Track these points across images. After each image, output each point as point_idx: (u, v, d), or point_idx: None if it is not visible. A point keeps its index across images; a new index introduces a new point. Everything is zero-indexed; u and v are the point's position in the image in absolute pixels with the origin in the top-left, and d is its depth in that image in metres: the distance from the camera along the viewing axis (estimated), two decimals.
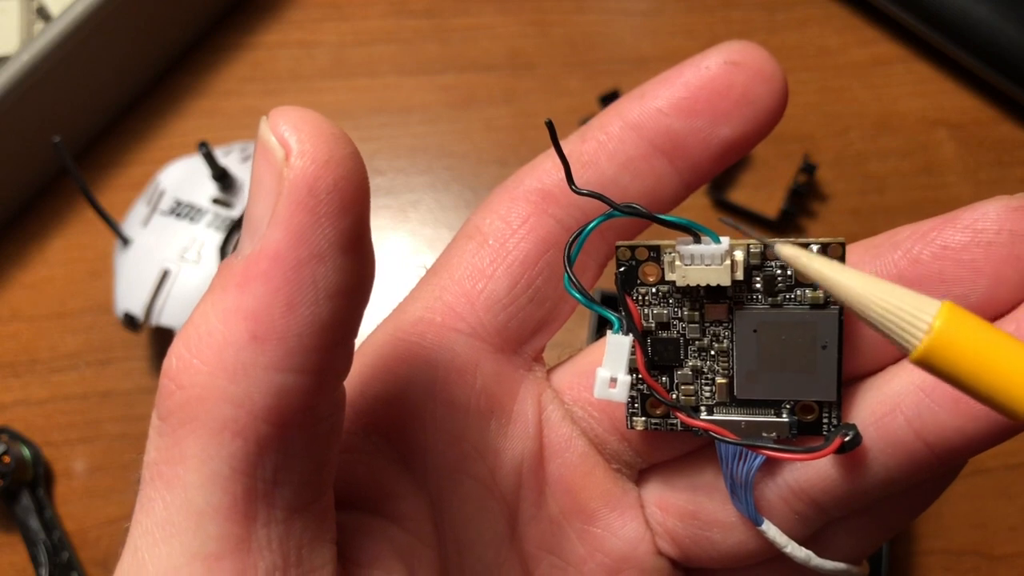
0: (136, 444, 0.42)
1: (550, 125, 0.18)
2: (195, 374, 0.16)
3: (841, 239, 0.18)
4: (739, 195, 0.47)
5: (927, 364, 0.15)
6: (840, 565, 0.21)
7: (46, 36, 0.42)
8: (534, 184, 0.21)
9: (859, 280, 0.15)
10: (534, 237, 0.20)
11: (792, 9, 0.52)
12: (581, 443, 0.21)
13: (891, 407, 0.19)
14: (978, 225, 0.18)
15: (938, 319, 0.14)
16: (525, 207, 0.20)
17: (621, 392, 0.19)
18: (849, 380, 0.20)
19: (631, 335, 0.19)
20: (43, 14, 0.46)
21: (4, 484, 0.39)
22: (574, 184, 0.19)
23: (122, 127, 0.49)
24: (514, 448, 0.21)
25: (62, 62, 0.43)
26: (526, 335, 0.21)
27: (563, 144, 0.21)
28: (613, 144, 0.20)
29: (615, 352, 0.19)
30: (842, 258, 0.18)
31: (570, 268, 0.19)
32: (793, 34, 0.51)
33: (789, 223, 0.46)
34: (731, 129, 0.20)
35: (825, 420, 0.19)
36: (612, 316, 0.19)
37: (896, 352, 0.19)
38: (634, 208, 0.18)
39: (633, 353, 0.19)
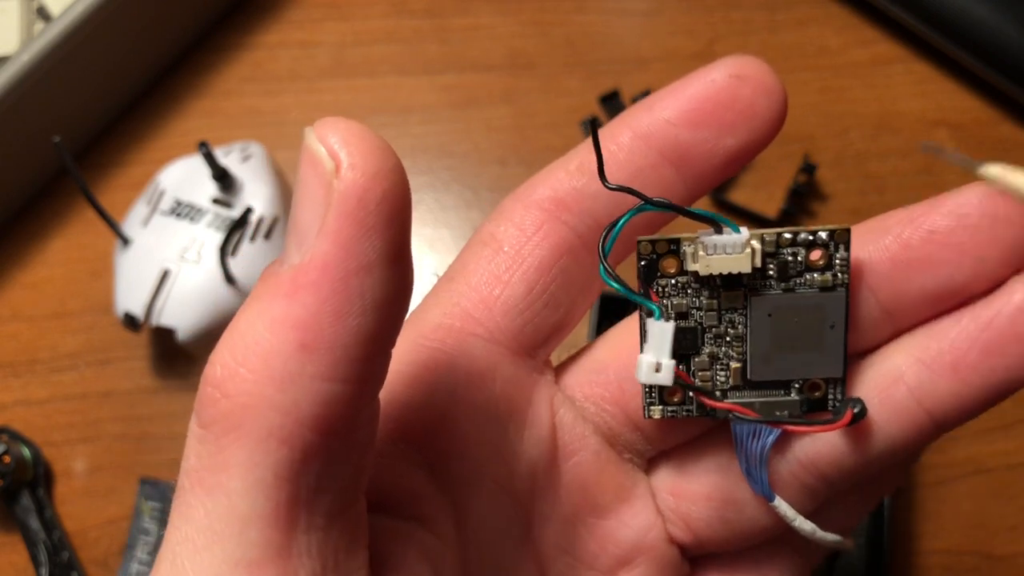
0: (136, 444, 0.42)
1: (594, 123, 0.19)
2: (241, 382, 0.16)
3: (847, 225, 0.20)
4: (739, 195, 0.47)
5: None
6: (837, 537, 0.22)
7: (46, 36, 0.42)
8: (547, 192, 0.21)
9: None
10: (549, 244, 0.21)
11: (792, 9, 0.52)
12: (594, 440, 0.22)
13: (894, 379, 0.20)
14: (962, 210, 0.19)
15: None
16: (539, 214, 0.21)
17: (666, 376, 0.19)
18: (849, 358, 0.21)
19: (672, 322, 0.19)
20: (43, 14, 0.46)
21: (4, 484, 0.39)
22: (606, 180, 0.19)
23: (122, 127, 0.49)
24: (531, 451, 0.21)
25: (62, 62, 0.43)
26: (541, 340, 0.21)
27: (573, 155, 0.21)
28: (623, 154, 0.21)
29: (658, 338, 0.19)
30: (847, 244, 0.19)
31: (605, 259, 0.19)
32: (793, 34, 0.51)
33: (789, 223, 0.46)
34: (735, 140, 0.20)
35: (831, 396, 0.21)
36: (653, 305, 0.20)
37: (893, 329, 0.20)
38: (665, 202, 0.19)
39: (673, 338, 0.20)
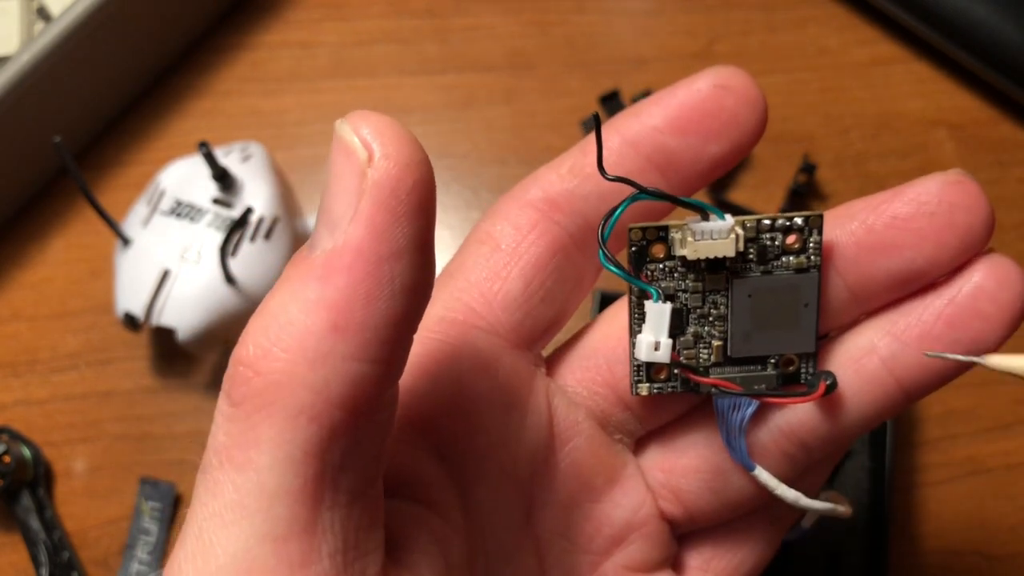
0: (136, 444, 0.42)
1: (596, 117, 0.19)
2: (274, 361, 0.16)
3: (820, 212, 0.21)
4: (739, 195, 0.47)
5: None
6: (827, 504, 0.23)
7: (46, 36, 0.42)
8: (539, 193, 0.22)
9: None
10: (543, 242, 0.22)
11: (792, 9, 0.52)
12: (587, 426, 0.23)
13: (867, 351, 0.21)
14: (921, 198, 0.21)
15: None
16: (533, 214, 0.22)
17: (664, 354, 0.21)
18: (822, 336, 0.22)
19: (669, 303, 0.21)
20: (43, 14, 0.46)
21: (4, 484, 0.39)
22: (604, 170, 0.20)
23: (122, 127, 0.49)
24: (532, 438, 0.22)
25: (62, 62, 0.43)
26: (538, 334, 0.22)
27: (564, 158, 0.22)
28: (613, 159, 0.22)
29: (656, 319, 0.21)
30: (820, 229, 0.21)
31: (604, 245, 0.20)
32: (793, 34, 0.51)
33: None
34: (719, 147, 0.21)
35: (803, 369, 0.22)
36: (651, 288, 0.21)
37: (859, 311, 0.22)
38: (658, 191, 0.20)
39: (670, 319, 0.21)
